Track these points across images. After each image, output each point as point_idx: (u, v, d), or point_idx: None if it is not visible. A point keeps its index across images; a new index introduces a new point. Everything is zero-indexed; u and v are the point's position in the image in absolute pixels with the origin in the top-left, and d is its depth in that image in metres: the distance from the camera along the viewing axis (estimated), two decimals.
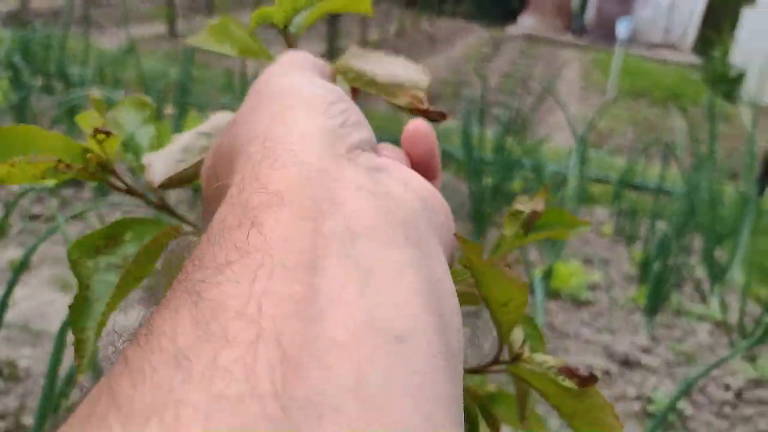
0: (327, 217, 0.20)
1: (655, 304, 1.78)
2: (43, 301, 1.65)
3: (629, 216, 2.29)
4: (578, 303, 1.89)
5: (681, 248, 1.95)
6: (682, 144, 3.18)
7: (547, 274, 1.81)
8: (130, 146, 0.39)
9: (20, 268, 1.11)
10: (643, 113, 4.55)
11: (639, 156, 2.78)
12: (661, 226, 2.17)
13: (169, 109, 2.81)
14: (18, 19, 4.20)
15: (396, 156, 0.31)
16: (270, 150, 0.24)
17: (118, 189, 0.36)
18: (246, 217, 0.20)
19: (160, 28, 5.11)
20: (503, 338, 0.34)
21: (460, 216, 2.36)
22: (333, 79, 0.36)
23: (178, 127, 2.27)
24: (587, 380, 0.32)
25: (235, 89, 2.95)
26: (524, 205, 0.44)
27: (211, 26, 0.39)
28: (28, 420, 1.26)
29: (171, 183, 0.36)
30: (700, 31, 8.33)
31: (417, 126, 0.33)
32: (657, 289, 1.76)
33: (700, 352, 1.74)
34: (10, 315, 1.43)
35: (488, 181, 2.27)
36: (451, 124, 3.35)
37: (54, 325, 1.57)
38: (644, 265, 1.95)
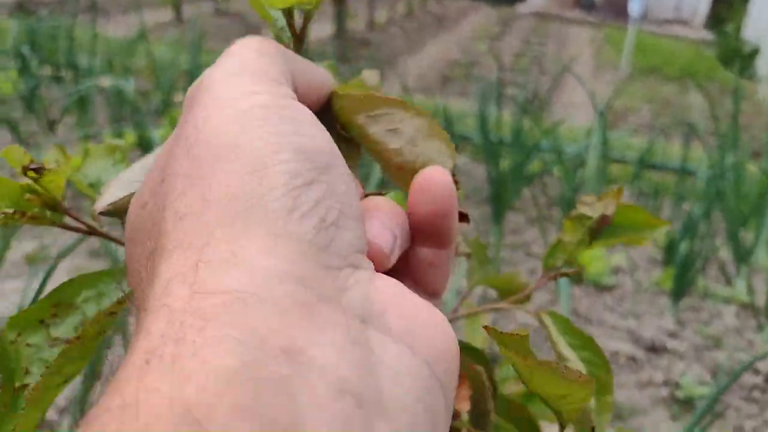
0: None
1: (681, 288, 1.74)
2: None
3: (651, 197, 2.25)
4: (601, 288, 1.86)
5: (706, 230, 1.91)
6: (701, 122, 3.13)
7: None
8: (97, 187, 0.34)
9: (51, 269, 1.08)
10: (658, 91, 4.49)
11: (658, 135, 2.73)
12: (686, 206, 2.13)
13: (180, 97, 2.79)
14: (24, 8, 4.17)
15: (390, 221, 0.22)
16: (201, 297, 0.16)
17: (76, 230, 0.31)
18: None
19: (165, 14, 5.06)
20: (563, 426, 0.29)
21: (477, 200, 2.32)
22: (318, 99, 0.25)
23: None
24: None
25: None
26: (591, 208, 0.37)
27: None
28: (53, 415, 1.25)
29: (116, 209, 0.28)
30: (711, 6, 8.19)
31: (431, 176, 0.23)
32: (683, 272, 1.73)
33: (727, 336, 1.71)
34: None
35: (505, 164, 2.23)
36: (464, 105, 3.30)
37: None
38: (669, 248, 1.92)
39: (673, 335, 1.68)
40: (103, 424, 0.14)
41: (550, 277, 0.41)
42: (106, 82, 2.35)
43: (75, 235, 1.88)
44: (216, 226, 0.17)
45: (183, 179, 0.19)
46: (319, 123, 0.21)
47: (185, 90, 2.65)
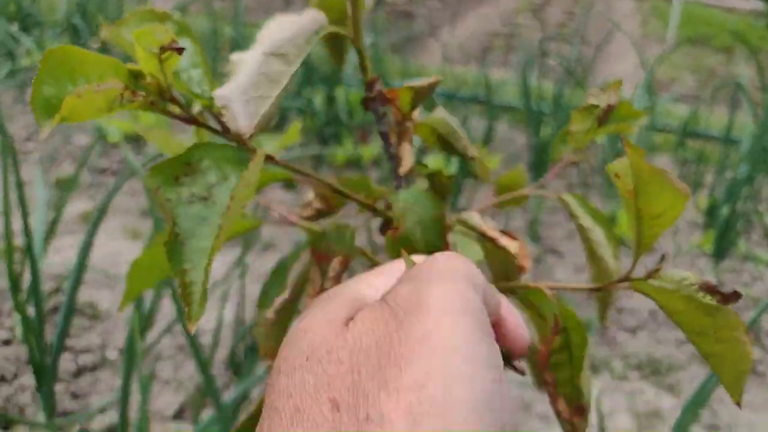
0: None
1: (722, 249, 1.74)
2: (115, 249, 1.71)
3: (694, 164, 2.24)
4: None
5: (749, 194, 1.89)
6: (747, 91, 3.06)
7: (611, 221, 1.79)
8: (184, 77, 0.33)
9: (99, 217, 1.14)
10: (704, 61, 4.38)
11: (702, 104, 2.69)
12: (729, 174, 2.11)
13: (224, 67, 2.85)
14: None
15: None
16: None
17: (179, 118, 0.31)
18: None
19: None
20: (641, 252, 0.32)
21: (516, 166, 2.33)
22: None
23: None
24: (730, 298, 0.30)
25: None
26: (598, 98, 0.41)
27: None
28: (112, 354, 1.33)
29: (261, 125, 0.32)
30: None
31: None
32: (724, 233, 1.73)
33: None
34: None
35: (547, 130, 2.23)
36: (504, 75, 3.29)
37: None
38: (710, 211, 1.91)
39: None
40: None
41: (562, 166, 0.45)
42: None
43: (129, 197, 1.96)
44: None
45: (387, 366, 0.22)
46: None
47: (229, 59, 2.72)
